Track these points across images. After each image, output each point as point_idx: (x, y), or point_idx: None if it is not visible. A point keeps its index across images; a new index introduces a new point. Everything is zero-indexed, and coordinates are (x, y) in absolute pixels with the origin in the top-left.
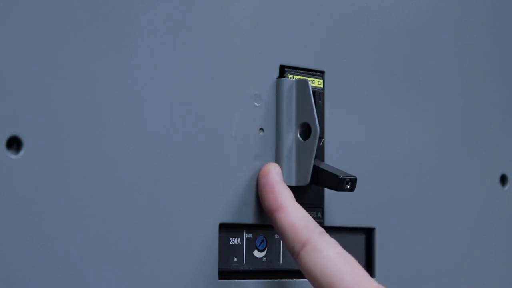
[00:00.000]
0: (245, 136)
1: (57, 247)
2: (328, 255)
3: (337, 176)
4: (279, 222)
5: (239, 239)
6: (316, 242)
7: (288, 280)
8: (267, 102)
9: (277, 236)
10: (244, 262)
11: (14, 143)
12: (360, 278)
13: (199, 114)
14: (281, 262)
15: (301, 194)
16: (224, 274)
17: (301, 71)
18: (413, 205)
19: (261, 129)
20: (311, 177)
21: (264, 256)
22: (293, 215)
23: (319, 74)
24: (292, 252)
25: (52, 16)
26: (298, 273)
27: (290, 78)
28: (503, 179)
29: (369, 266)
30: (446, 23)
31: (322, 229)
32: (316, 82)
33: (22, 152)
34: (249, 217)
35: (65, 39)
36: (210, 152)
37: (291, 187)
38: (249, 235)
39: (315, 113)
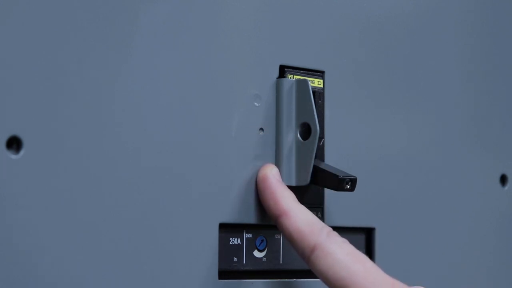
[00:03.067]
0: (245, 136)
1: (57, 247)
2: (338, 258)
3: (337, 176)
4: (285, 228)
5: (239, 239)
6: (324, 246)
7: (288, 280)
8: (267, 102)
9: (277, 236)
10: (244, 262)
11: (14, 143)
12: (373, 275)
13: (199, 114)
14: (281, 262)
15: (301, 194)
16: (224, 274)
17: (301, 71)
18: (413, 205)
19: (261, 129)
20: (311, 177)
21: (264, 256)
22: (297, 220)
23: (319, 74)
24: (302, 257)
25: (52, 16)
26: (298, 273)
27: (290, 78)
28: (503, 179)
29: None
30: (446, 23)
31: (329, 229)
32: (316, 82)
33: (22, 152)
34: (249, 217)
35: (65, 39)
36: (210, 152)
37: (291, 187)
38: (249, 235)
39: (315, 113)
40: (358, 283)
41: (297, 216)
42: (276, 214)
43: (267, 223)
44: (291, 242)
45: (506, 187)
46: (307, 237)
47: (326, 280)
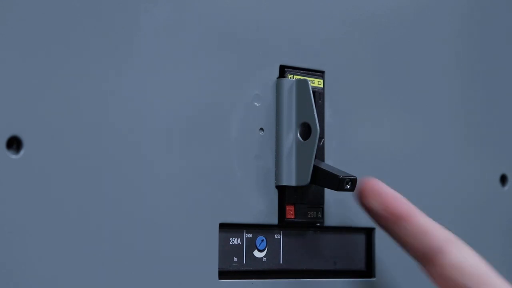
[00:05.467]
0: (245, 136)
1: (56, 247)
2: (471, 248)
3: (337, 176)
4: (422, 222)
5: (239, 239)
6: (457, 238)
7: (288, 280)
8: (267, 102)
9: (277, 236)
10: (244, 262)
11: (14, 143)
12: (502, 280)
13: (199, 114)
14: (281, 262)
15: (301, 194)
16: (224, 274)
17: (301, 71)
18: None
19: (261, 129)
20: (311, 177)
21: (264, 256)
22: (427, 218)
23: (319, 74)
24: (436, 251)
25: (52, 15)
26: (298, 273)
27: (290, 78)
28: (503, 179)
29: (369, 266)
30: (446, 23)
31: None
32: (316, 82)
33: (22, 152)
34: (249, 217)
35: (66, 39)
36: (210, 152)
37: (291, 187)
38: (249, 235)
39: (315, 113)
40: (491, 271)
41: (422, 214)
42: (407, 212)
43: (267, 223)
44: (427, 235)
45: (506, 187)
46: (443, 230)
47: (461, 271)
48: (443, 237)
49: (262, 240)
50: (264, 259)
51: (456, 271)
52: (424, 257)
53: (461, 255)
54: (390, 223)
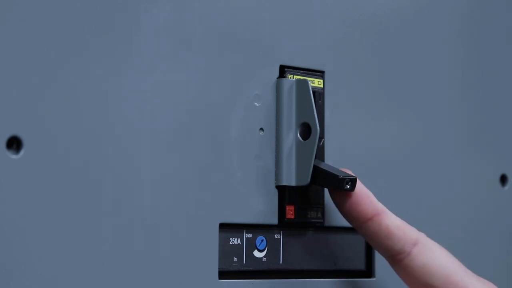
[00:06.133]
0: (245, 136)
1: (57, 247)
2: (440, 248)
3: (337, 176)
4: (384, 225)
5: (239, 239)
6: (426, 239)
7: (288, 280)
8: (267, 102)
9: (277, 236)
10: (244, 262)
11: (14, 143)
12: (468, 271)
13: (199, 114)
14: (281, 262)
15: (301, 194)
16: (224, 274)
17: (301, 71)
18: (413, 205)
19: (261, 129)
20: (311, 177)
21: (264, 256)
22: (395, 217)
23: (319, 74)
24: (400, 252)
25: (52, 15)
26: (298, 273)
27: (290, 78)
28: (503, 179)
29: (369, 266)
30: (446, 22)
31: None
32: (316, 82)
33: (22, 152)
34: (249, 217)
35: (66, 39)
36: (210, 152)
37: (291, 187)
38: (249, 235)
39: (315, 113)
40: (462, 270)
41: (392, 214)
42: (373, 213)
43: (267, 223)
44: (390, 237)
45: (506, 187)
46: (409, 231)
47: (428, 271)
48: (409, 237)
49: (262, 240)
50: (264, 259)
51: (423, 272)
52: (392, 257)
53: (427, 255)
54: (358, 223)
